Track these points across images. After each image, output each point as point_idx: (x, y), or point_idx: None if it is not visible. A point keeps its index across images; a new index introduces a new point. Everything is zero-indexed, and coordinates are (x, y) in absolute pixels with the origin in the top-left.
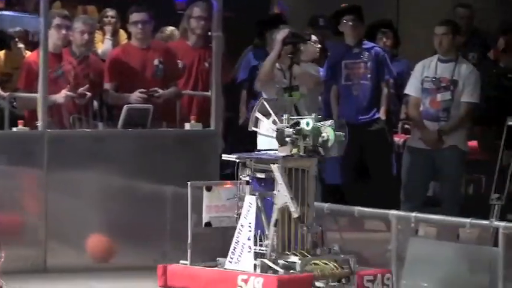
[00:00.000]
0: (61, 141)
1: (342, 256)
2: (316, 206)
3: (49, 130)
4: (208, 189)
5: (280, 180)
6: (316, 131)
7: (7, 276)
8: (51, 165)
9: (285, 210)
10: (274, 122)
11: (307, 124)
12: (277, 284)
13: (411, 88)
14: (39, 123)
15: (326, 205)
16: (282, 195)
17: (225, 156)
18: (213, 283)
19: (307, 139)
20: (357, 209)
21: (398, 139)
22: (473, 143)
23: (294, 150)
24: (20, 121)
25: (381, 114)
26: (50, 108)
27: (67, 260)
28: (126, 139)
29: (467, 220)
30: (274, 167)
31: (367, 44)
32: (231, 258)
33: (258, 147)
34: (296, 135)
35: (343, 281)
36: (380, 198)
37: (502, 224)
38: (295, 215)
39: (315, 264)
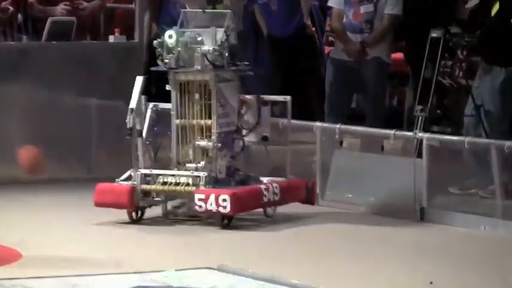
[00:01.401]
0: None
1: (194, 173)
2: None
3: None
4: None
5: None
6: (183, 45)
7: None
8: None
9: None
10: None
11: (170, 37)
12: (96, 189)
13: (334, 0)
14: None
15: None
16: None
17: (153, 68)
18: None
19: (174, 51)
20: (281, 120)
21: None
22: (398, 55)
23: (160, 64)
24: None
25: (305, 19)
26: None
27: None
28: (50, 52)
29: (392, 132)
30: (137, 78)
31: None
32: None
33: None
34: (159, 48)
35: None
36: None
37: (426, 135)
38: None
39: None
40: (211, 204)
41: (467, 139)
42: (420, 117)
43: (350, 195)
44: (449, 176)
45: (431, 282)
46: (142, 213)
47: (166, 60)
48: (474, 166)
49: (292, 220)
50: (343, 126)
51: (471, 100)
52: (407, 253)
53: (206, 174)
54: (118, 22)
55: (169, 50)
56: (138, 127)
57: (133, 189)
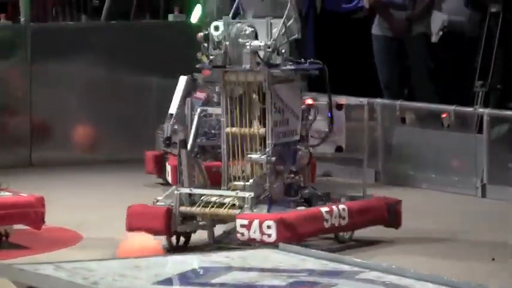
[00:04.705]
0: (44, 33)
1: (238, 193)
2: None
3: (32, 23)
4: None
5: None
6: (231, 39)
7: None
8: (35, 58)
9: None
10: None
11: (216, 29)
12: (127, 213)
13: None
14: (22, 17)
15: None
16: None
17: (198, 66)
18: None
19: (221, 46)
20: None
21: None
22: None
23: (204, 59)
24: (2, 14)
25: (364, 3)
26: (32, 1)
27: (52, 154)
28: (109, 31)
29: (452, 107)
30: (181, 79)
31: None
32: None
33: None
34: (205, 41)
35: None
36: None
37: (486, 110)
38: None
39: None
40: (254, 232)
41: None
42: (480, 93)
43: (411, 172)
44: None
45: (493, 259)
46: (187, 239)
47: (212, 57)
48: None
49: None
50: (404, 102)
51: None
52: (469, 229)
53: (252, 194)
54: (177, 0)
55: (216, 45)
56: (181, 136)
57: (169, 211)
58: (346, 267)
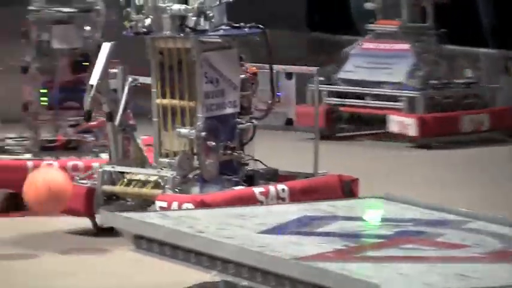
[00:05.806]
0: None
1: (160, 172)
2: None
3: None
4: None
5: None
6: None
7: None
8: None
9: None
10: None
11: None
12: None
13: None
14: None
15: None
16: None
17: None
18: None
19: (143, 12)
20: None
21: None
22: None
23: (127, 25)
24: None
25: None
26: None
27: None
28: None
29: None
30: (103, 46)
31: None
32: None
33: None
34: (127, 5)
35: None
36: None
37: None
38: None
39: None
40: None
41: None
42: None
43: None
44: None
45: None
46: None
47: (132, 23)
48: None
49: None
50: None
51: None
52: None
53: (174, 173)
54: None
55: (138, 9)
56: (106, 109)
57: (90, 191)
58: (451, 217)
